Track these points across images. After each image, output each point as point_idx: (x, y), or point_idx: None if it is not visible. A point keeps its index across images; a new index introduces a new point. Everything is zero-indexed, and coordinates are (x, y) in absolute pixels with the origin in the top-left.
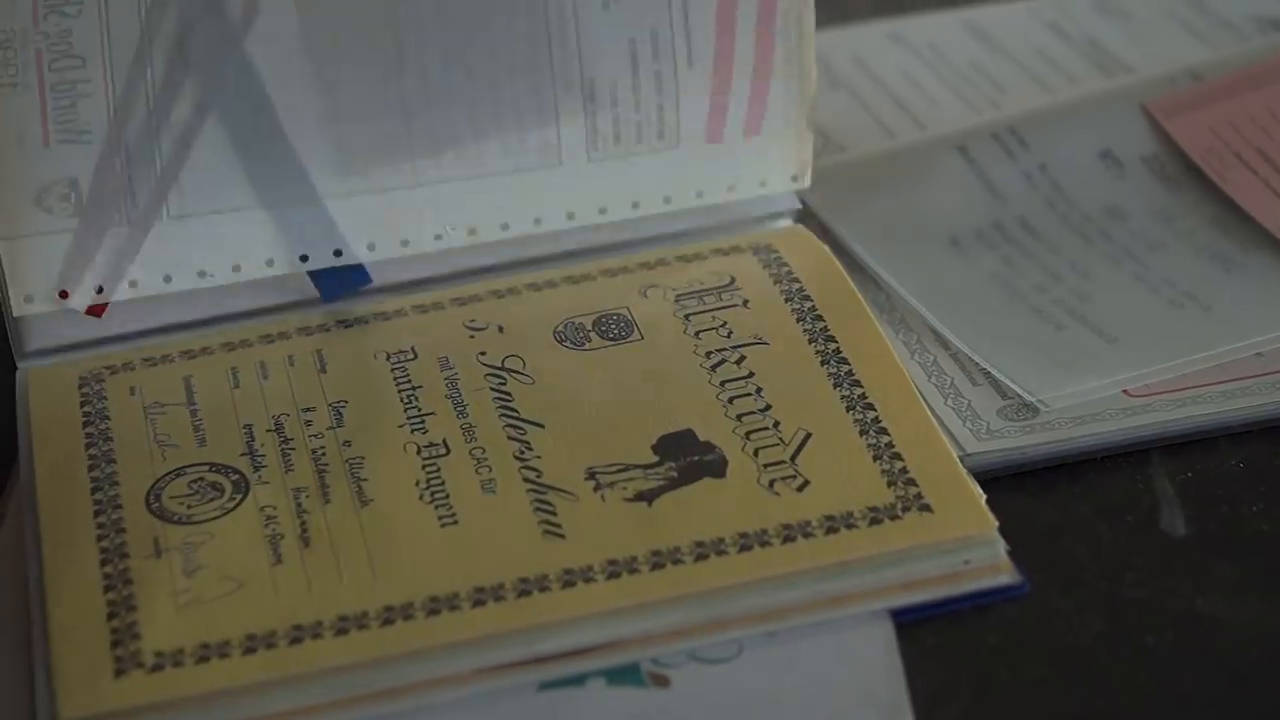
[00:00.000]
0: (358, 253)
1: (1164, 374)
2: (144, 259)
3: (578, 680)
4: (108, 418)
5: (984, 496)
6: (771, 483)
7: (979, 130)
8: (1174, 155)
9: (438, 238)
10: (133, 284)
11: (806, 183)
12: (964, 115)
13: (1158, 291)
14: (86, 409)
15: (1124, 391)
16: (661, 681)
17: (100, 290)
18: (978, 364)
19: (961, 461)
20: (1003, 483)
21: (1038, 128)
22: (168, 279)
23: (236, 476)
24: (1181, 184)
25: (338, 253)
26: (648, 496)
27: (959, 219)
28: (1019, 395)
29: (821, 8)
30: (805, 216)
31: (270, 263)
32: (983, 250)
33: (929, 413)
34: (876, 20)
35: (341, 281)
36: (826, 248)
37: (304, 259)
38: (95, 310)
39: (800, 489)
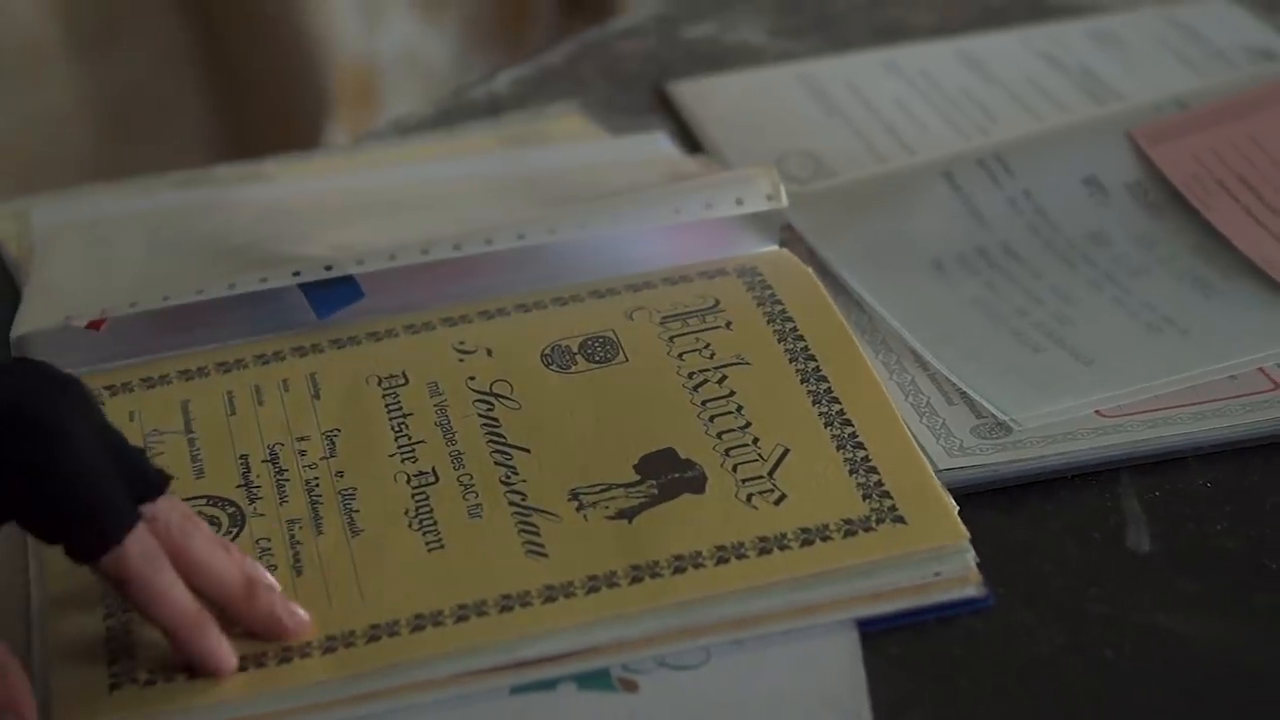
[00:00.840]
0: (347, 266)
1: (1137, 395)
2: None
3: (549, 684)
4: None
5: (957, 508)
6: (749, 497)
7: (965, 157)
8: (1158, 182)
9: (424, 251)
10: (133, 304)
11: (783, 201)
12: (953, 142)
13: (1137, 315)
14: None
15: (1096, 412)
16: (630, 687)
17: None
18: (955, 384)
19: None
20: (975, 500)
21: (1023, 154)
22: (166, 297)
23: (233, 509)
24: (1164, 211)
25: (328, 267)
26: (628, 514)
27: (943, 244)
28: (993, 415)
29: (820, 36)
30: (793, 240)
31: (264, 280)
32: (966, 275)
33: (905, 428)
34: (873, 49)
35: (334, 297)
36: (810, 270)
37: (295, 274)
38: (95, 325)
39: (777, 503)
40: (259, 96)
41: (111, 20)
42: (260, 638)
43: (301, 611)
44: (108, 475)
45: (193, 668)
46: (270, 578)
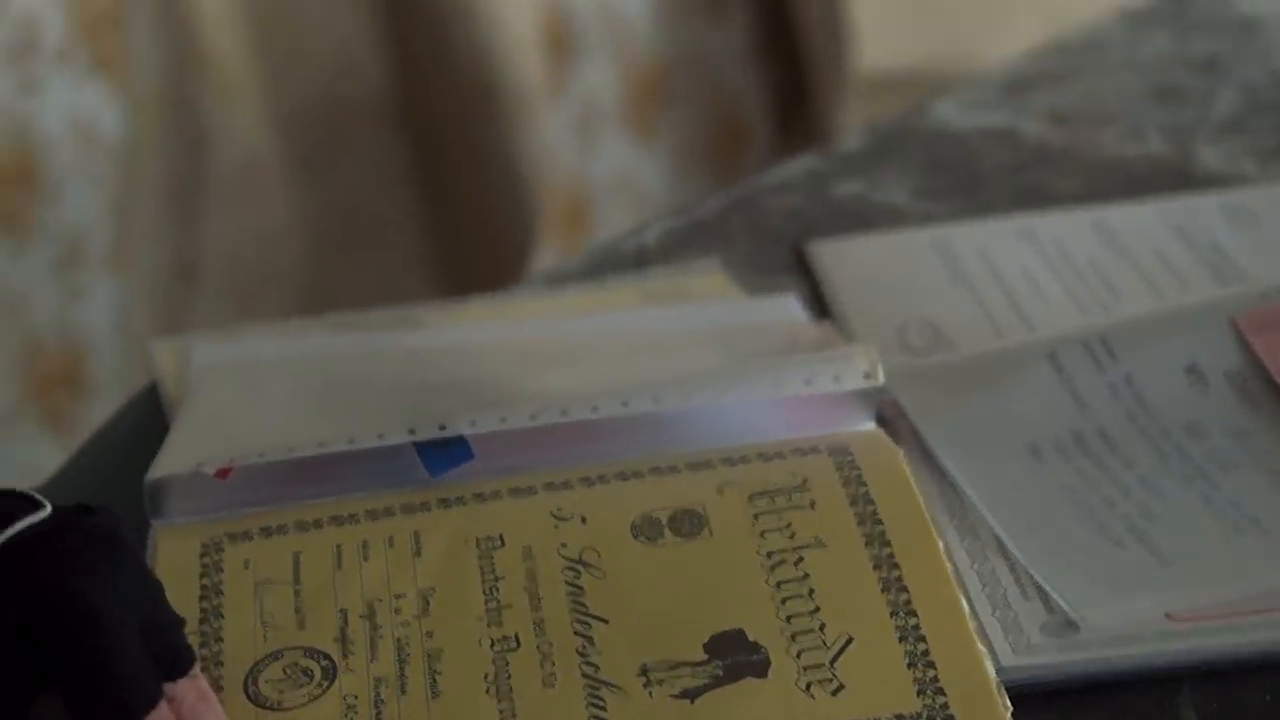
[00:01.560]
0: (460, 427)
1: (1210, 599)
2: None
3: None
4: (221, 593)
5: (1010, 709)
6: (809, 685)
7: (1071, 338)
8: (1258, 372)
9: (532, 417)
10: (260, 454)
11: (880, 380)
12: (1072, 316)
13: (1223, 515)
14: (204, 582)
15: (1167, 614)
16: None
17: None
18: (1032, 577)
19: (997, 673)
20: (1033, 700)
21: (1128, 339)
22: (290, 449)
23: (326, 663)
24: (1262, 403)
25: (442, 426)
26: (692, 694)
27: (1042, 428)
28: (1064, 610)
29: (962, 198)
30: (898, 416)
31: (381, 436)
32: (1060, 462)
33: (969, 623)
34: (1011, 215)
35: (447, 457)
36: (900, 452)
37: (411, 431)
38: (223, 473)
39: (835, 693)
40: (470, 217)
41: (330, 140)
42: None
43: None
44: (133, 656)
45: None
46: None
